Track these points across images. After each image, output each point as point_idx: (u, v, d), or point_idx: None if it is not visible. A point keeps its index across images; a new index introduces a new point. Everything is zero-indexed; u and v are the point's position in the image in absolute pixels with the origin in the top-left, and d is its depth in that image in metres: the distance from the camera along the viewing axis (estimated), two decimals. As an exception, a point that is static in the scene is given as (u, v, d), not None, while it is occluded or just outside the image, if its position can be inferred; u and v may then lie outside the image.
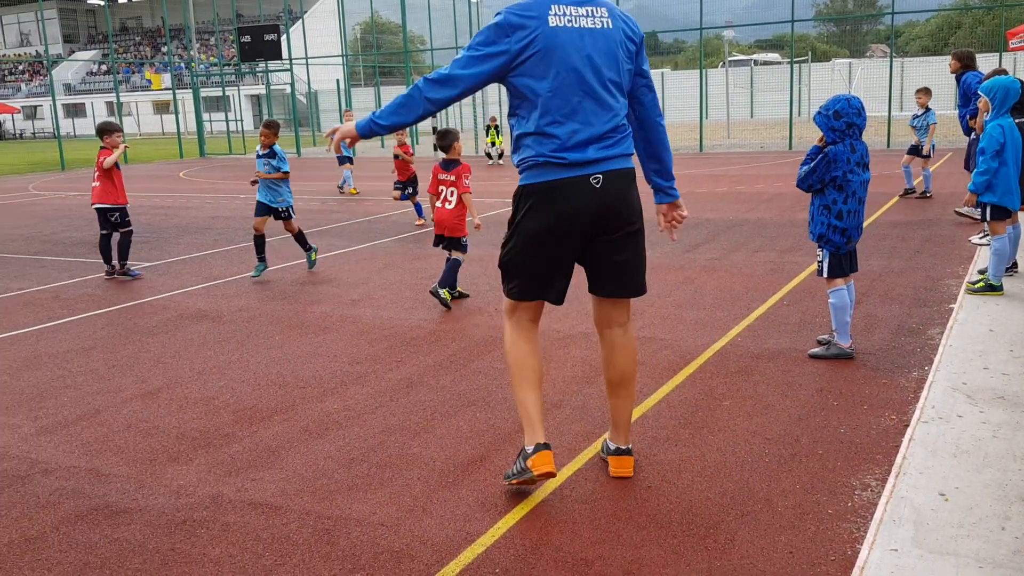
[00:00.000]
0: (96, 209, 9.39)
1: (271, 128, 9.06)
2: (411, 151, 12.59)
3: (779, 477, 3.84)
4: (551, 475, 3.63)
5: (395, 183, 12.70)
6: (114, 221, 9.37)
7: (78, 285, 9.07)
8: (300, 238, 9.33)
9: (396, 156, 12.52)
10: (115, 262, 9.40)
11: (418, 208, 12.65)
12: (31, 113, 66.39)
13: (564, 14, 3.46)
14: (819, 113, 5.29)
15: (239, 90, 50.14)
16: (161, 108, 59.44)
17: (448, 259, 7.54)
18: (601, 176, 3.50)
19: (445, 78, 3.47)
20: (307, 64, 34.93)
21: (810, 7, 76.58)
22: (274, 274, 9.25)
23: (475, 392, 5.19)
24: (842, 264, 5.47)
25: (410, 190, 12.59)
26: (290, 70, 32.86)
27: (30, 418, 5.08)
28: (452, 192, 7.45)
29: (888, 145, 23.41)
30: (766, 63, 50.97)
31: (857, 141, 5.30)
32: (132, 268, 9.51)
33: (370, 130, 3.55)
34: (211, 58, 57.02)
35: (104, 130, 9.35)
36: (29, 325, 7.40)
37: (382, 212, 14.02)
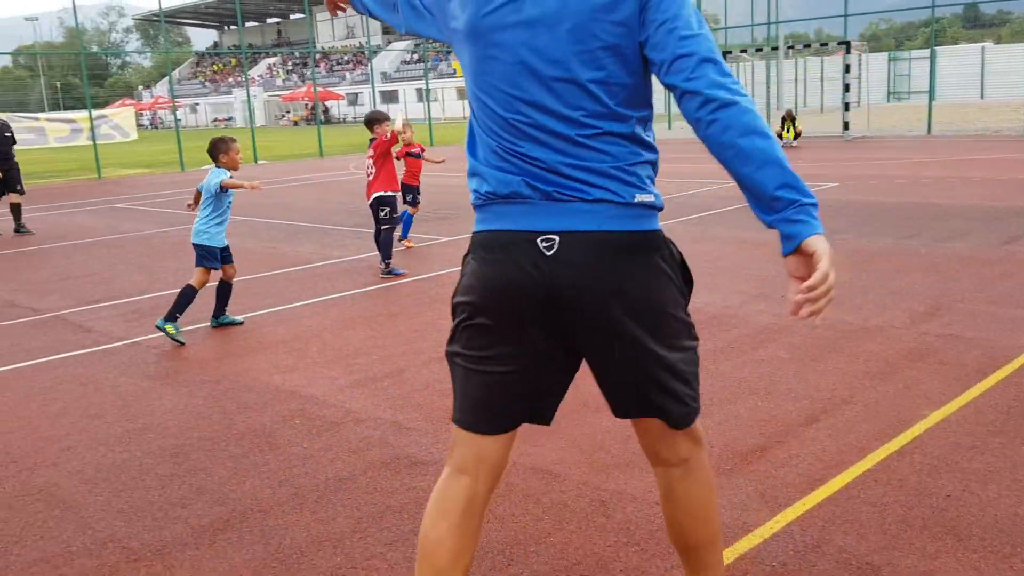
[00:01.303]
0: (372, 202, 8.78)
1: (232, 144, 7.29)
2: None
3: (1109, 501, 3.39)
4: None
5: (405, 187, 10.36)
6: (383, 216, 8.72)
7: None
8: (226, 292, 7.04)
9: (414, 155, 10.59)
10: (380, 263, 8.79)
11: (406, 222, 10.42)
12: (353, 100, 73.37)
13: None
14: None
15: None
16: (463, 94, 63.20)
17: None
18: (556, 238, 2.12)
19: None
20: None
21: None
22: (561, 252, 9.53)
23: (757, 380, 5.06)
24: None
25: (409, 197, 10.49)
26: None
27: (345, 372, 5.69)
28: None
29: None
30: (1119, 31, 44.21)
31: None
32: (396, 267, 8.81)
33: None
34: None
35: (374, 120, 8.98)
36: (347, 290, 8.24)
37: (692, 190, 13.97)
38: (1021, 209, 10.43)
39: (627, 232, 2.11)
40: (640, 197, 2.13)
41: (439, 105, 63.66)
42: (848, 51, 23.61)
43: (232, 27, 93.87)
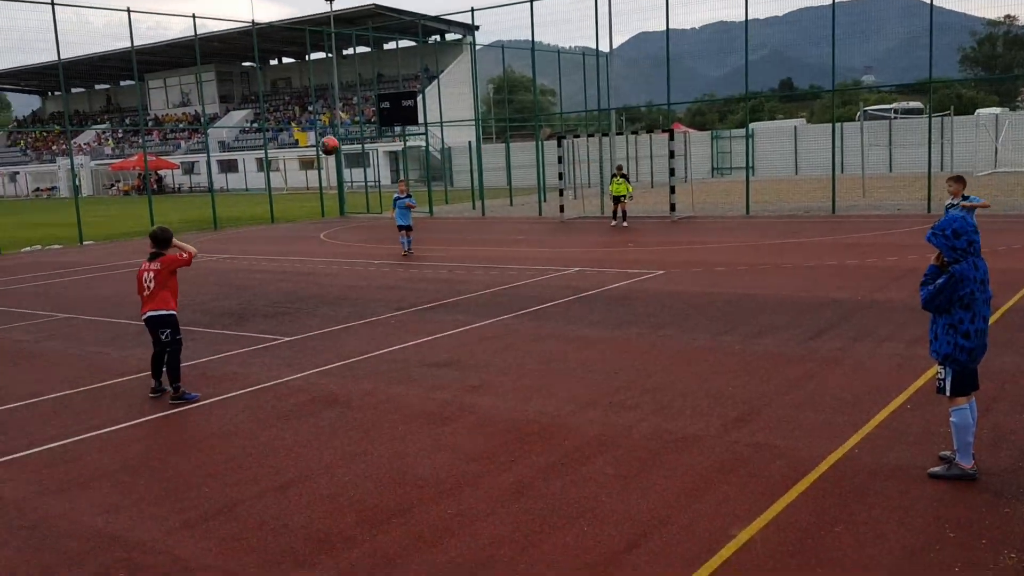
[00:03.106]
0: (149, 321, 8.20)
1: None
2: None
3: (884, 625, 3.79)
4: None
5: None
6: (165, 338, 8.14)
7: (223, 361, 9.73)
8: None
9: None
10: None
11: None
12: (189, 168, 71.25)
13: None
14: (933, 234, 5.25)
15: (377, 148, 52.39)
16: (306, 164, 62.69)
17: None
18: None
19: None
20: (441, 126, 36.24)
21: (955, 51, 73.74)
22: (404, 353, 9.64)
23: (584, 502, 5.31)
24: (965, 382, 5.34)
25: None
26: (425, 133, 34.15)
27: (175, 509, 5.54)
28: None
29: (1039, 207, 22.18)
30: (907, 112, 49.32)
31: (979, 258, 5.21)
32: (188, 391, 8.20)
33: None
34: (354, 118, 59.90)
35: (168, 240, 8.29)
36: (176, 407, 7.99)
37: (505, 283, 14.38)
38: (824, 301, 11.41)
39: None
40: None
41: (280, 175, 62.77)
42: (672, 138, 25.21)
43: (56, 93, 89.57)
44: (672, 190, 25.25)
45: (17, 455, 6.74)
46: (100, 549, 4.98)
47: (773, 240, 18.86)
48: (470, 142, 36.34)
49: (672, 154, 25.14)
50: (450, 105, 42.23)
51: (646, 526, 4.93)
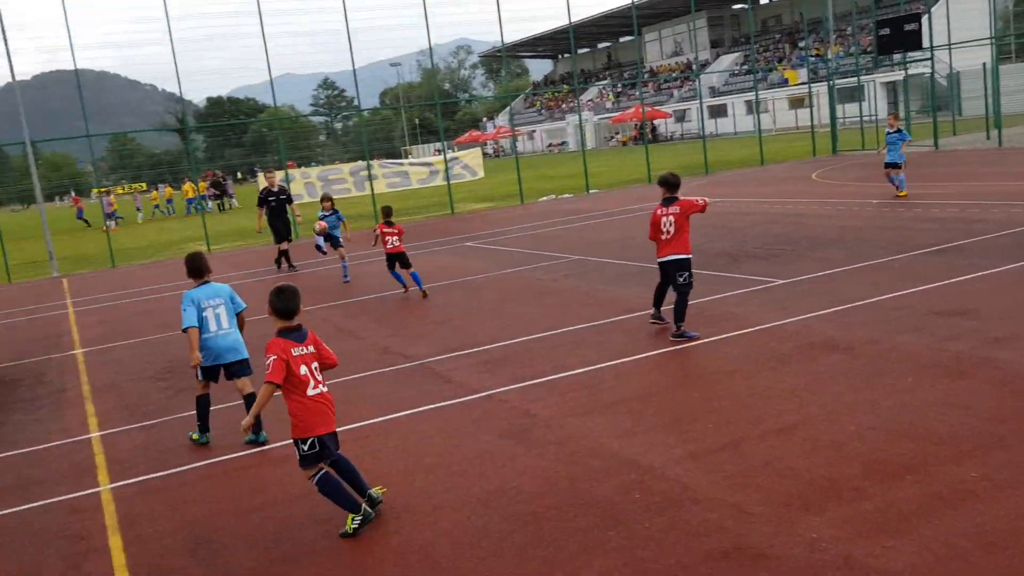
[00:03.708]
0: (670, 263, 8.67)
1: None
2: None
3: None
4: None
5: None
6: (682, 281, 8.56)
7: (719, 302, 9.95)
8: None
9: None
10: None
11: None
12: (680, 116, 73.63)
13: None
14: None
15: (874, 79, 48.76)
16: (795, 103, 60.89)
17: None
18: None
19: None
20: (949, 48, 32.45)
21: None
22: (909, 299, 8.96)
23: None
24: None
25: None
26: (931, 58, 30.88)
27: (681, 440, 5.86)
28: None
29: None
30: None
31: None
32: (688, 330, 8.53)
33: None
34: (848, 50, 56.47)
35: (679, 184, 8.68)
36: (677, 344, 8.38)
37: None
38: None
39: None
40: None
41: (769, 116, 61.86)
42: None
43: (566, 55, 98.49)
44: None
45: (546, 378, 7.68)
46: (617, 469, 5.47)
47: None
48: (984, 64, 32.03)
49: None
50: (960, 24, 37.45)
51: None
